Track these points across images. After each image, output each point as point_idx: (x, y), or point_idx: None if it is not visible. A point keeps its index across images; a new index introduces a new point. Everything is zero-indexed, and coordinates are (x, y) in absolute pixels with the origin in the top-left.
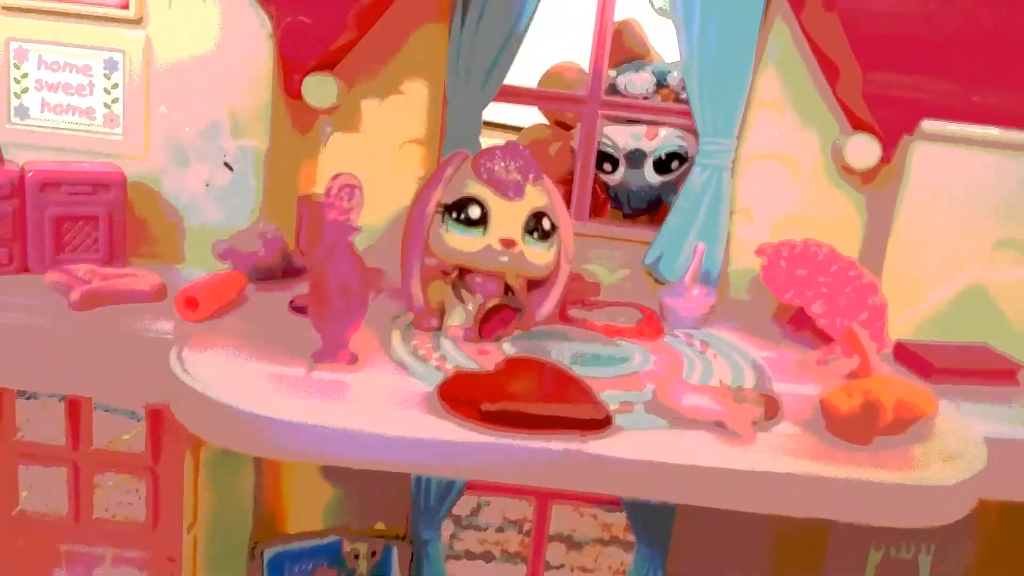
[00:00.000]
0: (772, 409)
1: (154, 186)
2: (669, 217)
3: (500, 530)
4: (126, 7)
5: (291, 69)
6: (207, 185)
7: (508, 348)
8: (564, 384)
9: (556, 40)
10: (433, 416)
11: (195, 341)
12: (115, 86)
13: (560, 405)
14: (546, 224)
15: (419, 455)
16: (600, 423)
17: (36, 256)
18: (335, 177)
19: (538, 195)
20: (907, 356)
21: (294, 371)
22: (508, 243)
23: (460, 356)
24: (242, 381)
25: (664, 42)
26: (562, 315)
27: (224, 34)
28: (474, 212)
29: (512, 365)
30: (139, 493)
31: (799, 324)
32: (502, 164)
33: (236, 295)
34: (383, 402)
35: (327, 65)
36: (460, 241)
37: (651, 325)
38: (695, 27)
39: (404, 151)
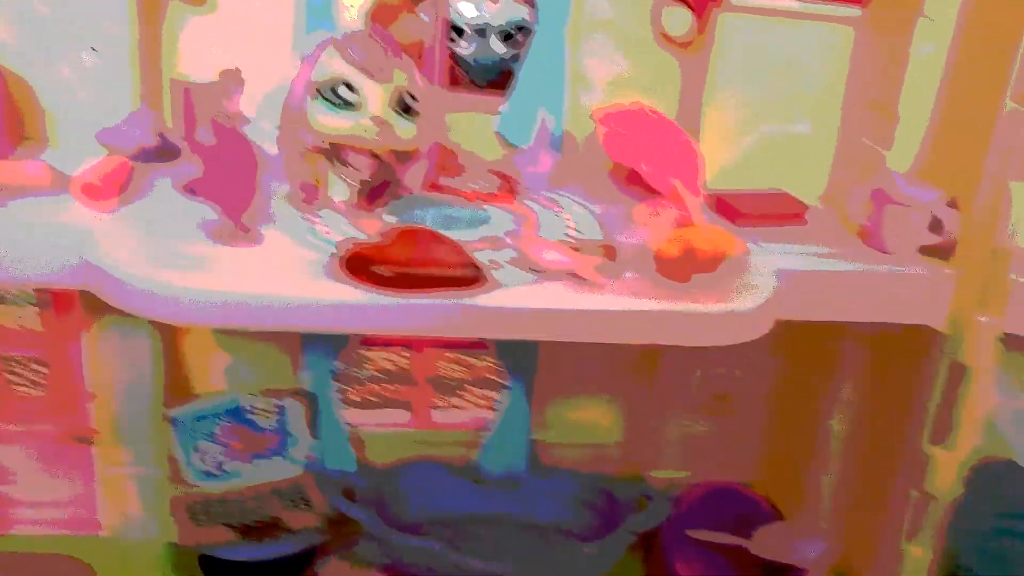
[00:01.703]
0: (611, 256)
1: (19, 71)
2: (513, 85)
3: (376, 381)
4: None
5: None
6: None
7: (387, 217)
8: (444, 248)
9: None
10: (331, 281)
11: (102, 228)
12: None
13: (443, 268)
14: (409, 101)
15: (322, 317)
16: (478, 280)
17: None
18: (222, 71)
19: (401, 74)
20: (719, 205)
21: (198, 247)
22: (378, 121)
23: (346, 226)
24: (153, 261)
25: None
26: (432, 184)
27: None
28: (345, 93)
29: (397, 234)
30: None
31: (632, 180)
32: (368, 47)
33: (126, 177)
34: (285, 269)
35: None
36: (334, 121)
37: (509, 188)
38: None
39: (262, 28)
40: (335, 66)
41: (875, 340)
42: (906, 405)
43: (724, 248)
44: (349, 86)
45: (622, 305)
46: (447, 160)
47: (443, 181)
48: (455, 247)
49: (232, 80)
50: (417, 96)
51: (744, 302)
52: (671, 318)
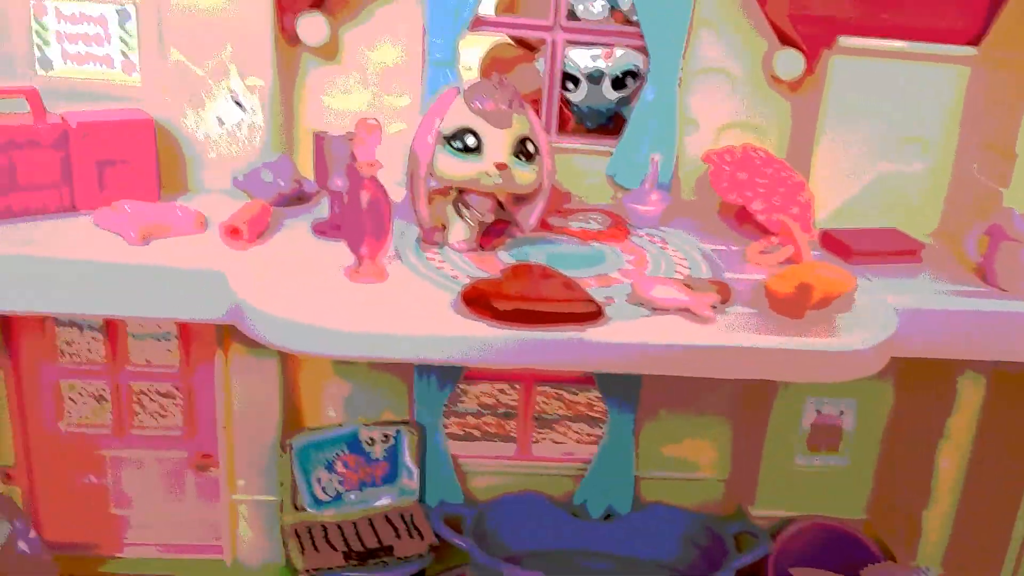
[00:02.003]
0: (725, 294)
1: (172, 125)
2: (626, 130)
3: (481, 414)
4: None
5: (286, 9)
6: (221, 122)
7: (504, 256)
8: (561, 284)
9: None
10: (455, 316)
11: (245, 265)
12: (130, 35)
13: (560, 303)
14: (530, 147)
15: (446, 350)
16: (594, 315)
17: (81, 195)
18: (360, 121)
19: (522, 122)
20: (831, 243)
21: (335, 285)
22: (500, 167)
23: (466, 265)
24: (292, 295)
25: None
26: (543, 224)
27: None
28: (470, 141)
29: (515, 270)
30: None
31: (742, 219)
32: (493, 97)
33: (266, 219)
34: (411, 307)
35: (316, 4)
36: (459, 166)
37: (618, 228)
38: None
39: (389, 79)
40: (460, 115)
41: (993, 378)
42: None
43: (838, 285)
44: (474, 134)
45: (736, 341)
46: (560, 201)
47: (555, 221)
48: (570, 283)
49: (368, 130)
50: (536, 142)
51: (858, 339)
52: (785, 354)
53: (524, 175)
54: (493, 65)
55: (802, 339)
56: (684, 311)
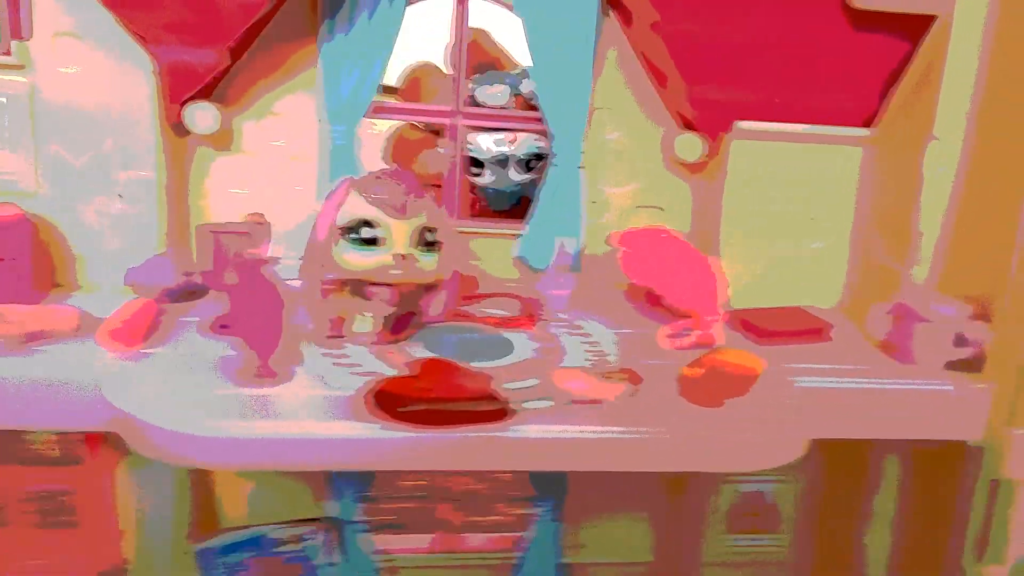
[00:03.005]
0: (635, 381)
1: (51, 220)
2: (533, 212)
3: (401, 503)
4: (8, 54)
5: (173, 100)
6: (120, 197)
7: (411, 349)
8: (471, 380)
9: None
10: (356, 420)
11: (127, 372)
12: (3, 128)
13: (470, 400)
14: (429, 237)
15: (347, 455)
16: (504, 413)
17: None
18: (248, 216)
19: (423, 209)
20: (741, 324)
21: (224, 390)
22: (401, 258)
23: (371, 360)
24: (177, 404)
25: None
26: (451, 312)
27: (108, 74)
28: (369, 232)
29: (422, 366)
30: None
31: (652, 302)
32: (389, 188)
33: (152, 320)
34: (310, 407)
35: (204, 93)
36: (359, 258)
37: (528, 313)
38: (538, 43)
39: (287, 168)
40: (358, 206)
41: (912, 456)
42: (947, 520)
43: (750, 368)
44: (371, 225)
45: (649, 433)
46: (468, 286)
47: (464, 308)
48: (480, 379)
49: (259, 228)
50: (438, 230)
51: (774, 426)
52: (700, 444)
53: (427, 264)
54: (397, 151)
55: (716, 427)
56: (594, 401)
